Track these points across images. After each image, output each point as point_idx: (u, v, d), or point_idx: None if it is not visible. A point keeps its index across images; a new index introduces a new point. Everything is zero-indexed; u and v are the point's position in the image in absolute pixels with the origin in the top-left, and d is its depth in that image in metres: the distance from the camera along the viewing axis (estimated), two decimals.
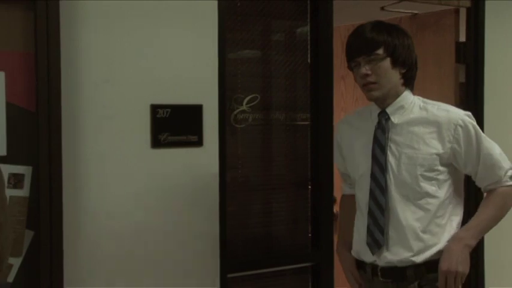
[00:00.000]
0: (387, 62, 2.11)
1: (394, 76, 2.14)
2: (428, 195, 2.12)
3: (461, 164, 2.14)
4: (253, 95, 2.92)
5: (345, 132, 2.34)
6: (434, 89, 3.75)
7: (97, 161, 2.40)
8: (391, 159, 2.14)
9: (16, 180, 2.29)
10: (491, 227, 2.20)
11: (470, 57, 3.53)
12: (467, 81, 3.58)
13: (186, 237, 2.58)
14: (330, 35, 3.02)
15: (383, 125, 2.17)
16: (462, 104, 3.62)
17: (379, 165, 2.15)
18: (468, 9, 3.56)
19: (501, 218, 2.18)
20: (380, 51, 2.10)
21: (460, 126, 2.11)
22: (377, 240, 2.14)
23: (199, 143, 2.59)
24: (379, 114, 2.19)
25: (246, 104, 2.89)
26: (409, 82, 2.20)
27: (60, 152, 2.30)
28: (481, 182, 2.19)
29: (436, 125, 2.12)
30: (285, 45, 3.08)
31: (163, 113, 2.51)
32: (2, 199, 1.77)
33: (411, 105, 2.18)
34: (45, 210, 2.28)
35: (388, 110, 2.17)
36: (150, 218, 2.51)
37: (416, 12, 3.90)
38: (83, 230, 2.39)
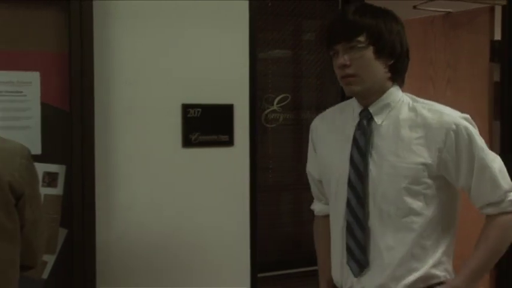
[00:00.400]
0: (370, 52, 1.76)
1: (379, 68, 1.78)
2: (413, 212, 1.77)
3: (453, 176, 1.78)
4: (284, 95, 2.92)
5: (321, 130, 1.99)
6: (468, 88, 3.70)
7: (129, 160, 2.42)
8: (371, 167, 1.80)
9: (50, 179, 2.32)
10: (491, 268, 1.87)
11: (505, 56, 3.48)
12: (502, 81, 3.53)
13: (217, 236, 2.59)
14: None
15: (364, 126, 1.83)
16: (496, 104, 3.56)
17: (357, 173, 1.81)
18: (504, 7, 3.50)
19: (502, 254, 1.83)
20: (362, 38, 1.75)
21: (453, 130, 1.75)
22: (359, 261, 1.81)
23: (230, 142, 2.59)
24: (360, 113, 1.85)
25: (277, 103, 2.89)
26: (397, 76, 1.84)
27: (93, 151, 2.32)
28: (476, 200, 1.82)
29: (425, 129, 1.77)
30: (315, 45, 3.08)
31: (195, 113, 2.52)
32: (37, 196, 1.80)
33: (399, 104, 1.82)
34: (78, 208, 2.31)
35: (371, 108, 1.82)
36: (181, 218, 2.53)
37: (449, 10, 3.86)
38: (115, 229, 2.41)
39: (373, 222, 1.80)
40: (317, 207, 2.09)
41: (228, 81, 2.60)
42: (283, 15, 2.94)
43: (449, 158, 1.76)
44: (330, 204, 1.94)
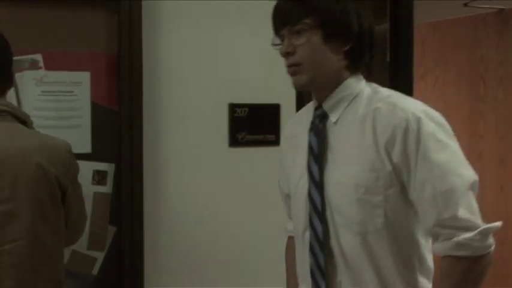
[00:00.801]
0: (317, 36, 1.46)
1: (329, 55, 1.48)
2: (371, 228, 1.44)
3: (407, 187, 1.43)
4: None
5: (288, 135, 1.72)
6: None
7: (176, 159, 2.45)
8: (326, 175, 1.50)
9: (100, 177, 2.36)
10: None
11: None
12: None
13: (264, 236, 2.59)
14: (410, 34, 2.96)
15: (317, 126, 1.53)
16: None
17: (315, 183, 1.51)
18: None
19: None
20: (308, 20, 1.46)
21: (402, 127, 1.40)
22: (319, 287, 1.53)
23: (276, 142, 2.58)
24: (315, 111, 1.56)
25: None
26: (356, 64, 1.52)
27: (141, 150, 2.36)
28: (424, 223, 1.44)
29: (376, 127, 1.44)
30: None
31: (241, 112, 2.53)
32: (79, 186, 1.89)
33: (359, 98, 1.50)
34: (127, 206, 2.34)
35: (325, 104, 1.52)
36: (228, 216, 2.54)
37: (502, 7, 3.76)
38: (163, 227, 2.44)
39: (333, 240, 1.50)
40: (289, 226, 1.77)
41: (274, 80, 2.59)
42: None
43: (401, 162, 1.41)
44: (293, 222, 1.66)
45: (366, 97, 1.50)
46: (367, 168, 1.43)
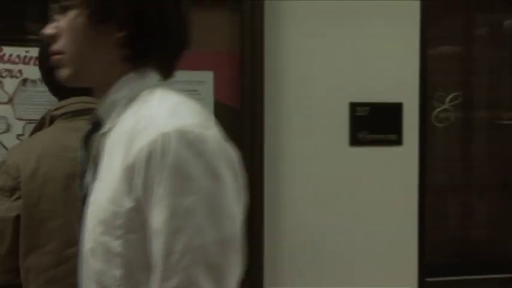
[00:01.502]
0: (83, 17, 1.09)
1: (96, 43, 1.10)
2: (107, 283, 1.04)
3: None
4: (456, 93, 2.80)
5: None
6: None
7: (297, 158, 2.44)
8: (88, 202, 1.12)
9: None
10: None
11: None
12: None
13: (384, 238, 2.54)
14: None
15: (86, 136, 1.19)
16: None
17: (79, 216, 1.17)
18: None
19: None
20: None
21: (146, 151, 0.98)
22: None
23: (398, 142, 2.53)
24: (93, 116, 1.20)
25: (448, 102, 2.78)
26: (139, 57, 1.11)
27: (263, 148, 2.37)
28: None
29: (126, 146, 1.03)
30: (490, 40, 2.92)
31: (363, 111, 2.49)
32: None
33: (135, 103, 1.09)
34: (247, 205, 2.36)
35: (100, 109, 1.15)
36: (347, 217, 2.50)
37: None
38: (282, 228, 2.44)
39: None
40: None
41: (397, 79, 2.54)
42: (456, 10, 2.82)
43: (142, 199, 1.00)
44: None
45: (139, 103, 1.09)
46: (109, 199, 1.02)
